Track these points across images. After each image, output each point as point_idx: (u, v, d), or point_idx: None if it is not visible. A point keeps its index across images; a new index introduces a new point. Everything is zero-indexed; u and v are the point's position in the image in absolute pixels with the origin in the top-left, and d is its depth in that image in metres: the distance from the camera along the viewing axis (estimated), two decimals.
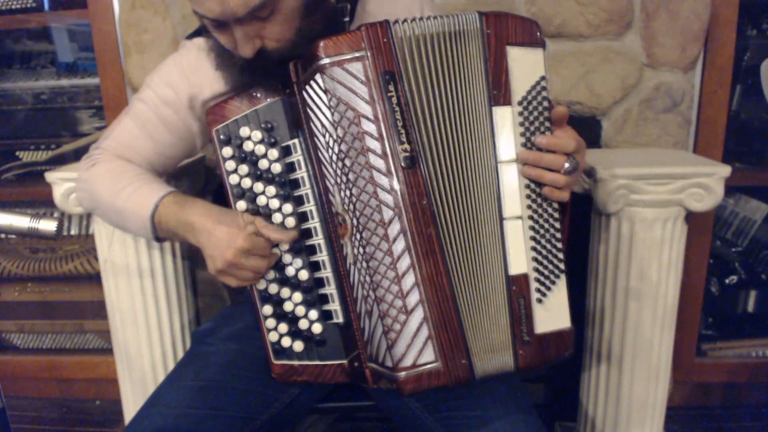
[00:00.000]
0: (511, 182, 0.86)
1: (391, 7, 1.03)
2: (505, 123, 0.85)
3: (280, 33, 0.85)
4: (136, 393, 1.42)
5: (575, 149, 0.87)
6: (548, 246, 0.87)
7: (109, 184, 0.99)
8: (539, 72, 0.87)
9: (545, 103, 0.86)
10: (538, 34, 0.87)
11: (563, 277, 0.88)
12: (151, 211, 0.93)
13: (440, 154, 0.83)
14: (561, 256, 0.88)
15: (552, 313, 0.87)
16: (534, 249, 0.87)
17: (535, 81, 0.87)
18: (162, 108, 1.00)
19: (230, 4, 0.79)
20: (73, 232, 1.90)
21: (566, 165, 0.86)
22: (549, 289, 0.87)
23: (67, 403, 1.94)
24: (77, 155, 1.83)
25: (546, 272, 0.87)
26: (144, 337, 1.38)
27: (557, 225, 0.88)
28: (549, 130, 0.87)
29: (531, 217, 0.87)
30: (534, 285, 0.86)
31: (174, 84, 0.98)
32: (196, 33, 1.03)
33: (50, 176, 1.32)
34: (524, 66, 0.86)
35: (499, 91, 0.85)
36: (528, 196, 0.86)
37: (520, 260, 0.86)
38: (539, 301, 0.87)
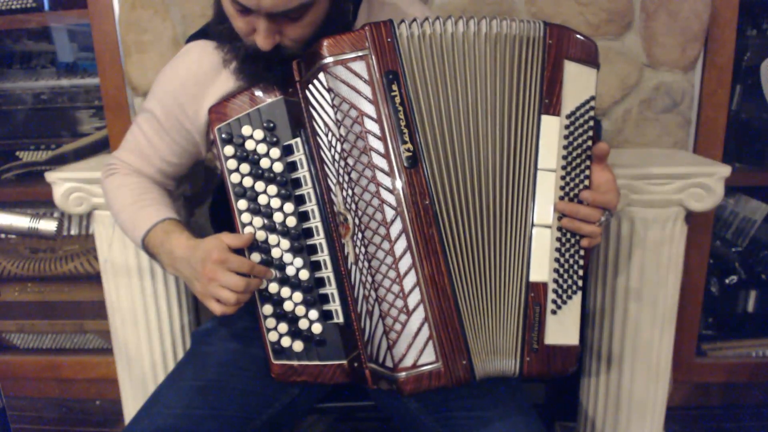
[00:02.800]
0: (546, 190, 0.86)
1: (394, 9, 1.03)
2: (551, 133, 0.86)
3: (301, 34, 0.86)
4: (136, 393, 1.42)
5: (615, 205, 0.88)
6: (571, 261, 0.88)
7: (118, 198, 1.03)
8: (590, 92, 0.88)
9: (590, 122, 0.88)
10: (596, 54, 0.89)
11: (579, 294, 0.89)
12: (143, 235, 0.96)
13: (447, 155, 0.83)
14: (581, 273, 0.89)
15: (563, 327, 0.88)
16: (557, 260, 0.87)
17: (584, 99, 0.88)
18: (166, 120, 1.00)
19: None
20: (73, 232, 1.90)
21: (602, 218, 0.88)
22: (564, 302, 0.88)
23: (67, 403, 1.94)
24: (77, 155, 1.83)
25: (564, 286, 0.88)
26: (144, 337, 1.38)
27: (584, 243, 0.89)
28: (590, 149, 0.88)
29: (560, 228, 0.87)
30: (551, 296, 0.87)
31: (175, 94, 0.98)
32: (198, 34, 1.02)
33: (50, 176, 1.32)
34: (578, 82, 0.87)
35: (550, 101, 0.86)
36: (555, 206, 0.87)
37: (542, 268, 0.86)
38: (553, 312, 0.87)
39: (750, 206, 1.77)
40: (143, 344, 1.39)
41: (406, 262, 0.81)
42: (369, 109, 0.80)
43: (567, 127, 0.87)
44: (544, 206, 0.86)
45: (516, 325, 0.86)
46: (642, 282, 1.32)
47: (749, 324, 1.84)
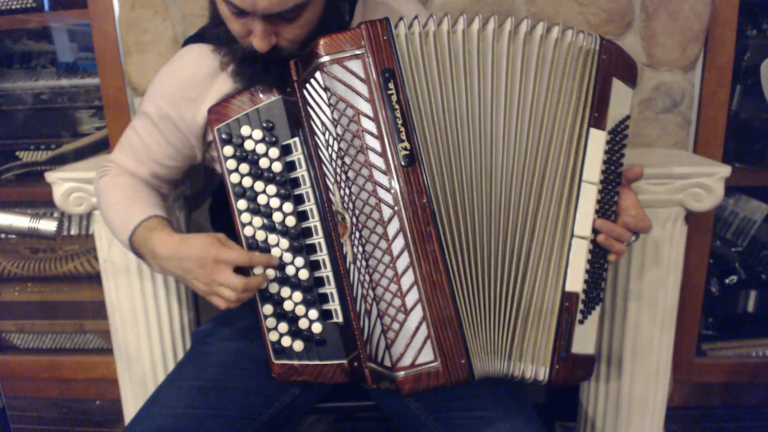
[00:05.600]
0: (588, 202, 0.87)
1: (389, 8, 1.03)
2: (597, 147, 0.87)
3: (297, 35, 0.86)
4: (136, 393, 1.42)
5: (650, 231, 0.92)
6: (598, 273, 0.89)
7: (107, 197, 1.02)
8: (626, 110, 0.91)
9: (625, 141, 0.90)
10: (636, 74, 0.92)
11: (600, 306, 0.91)
12: (130, 234, 0.95)
13: (449, 153, 0.83)
14: (603, 285, 0.91)
15: (586, 337, 0.89)
16: (587, 272, 0.88)
17: (623, 117, 0.90)
18: (161, 123, 1.00)
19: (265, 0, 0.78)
20: (73, 232, 1.90)
21: (632, 238, 0.90)
22: (589, 313, 0.89)
23: (67, 403, 1.94)
24: (77, 155, 1.83)
25: (591, 296, 0.89)
26: (144, 337, 1.38)
27: (610, 258, 0.91)
28: (621, 166, 0.91)
29: (593, 241, 0.88)
30: (580, 306, 0.87)
31: (172, 98, 0.98)
32: (194, 38, 1.03)
33: (50, 176, 1.32)
34: (619, 100, 0.89)
35: (599, 115, 0.87)
36: (594, 222, 0.88)
37: (577, 278, 0.87)
38: (580, 322, 0.88)
39: (750, 206, 1.77)
40: (143, 344, 1.39)
41: (403, 261, 0.80)
42: (365, 107, 0.80)
43: (608, 143, 0.88)
44: (584, 218, 0.87)
45: (546, 332, 0.86)
46: (642, 282, 1.32)
47: (749, 324, 1.84)
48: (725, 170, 1.25)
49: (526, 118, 0.85)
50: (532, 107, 0.85)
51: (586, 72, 0.87)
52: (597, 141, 0.87)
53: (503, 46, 0.84)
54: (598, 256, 0.89)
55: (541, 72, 0.85)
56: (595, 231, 0.88)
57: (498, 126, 0.85)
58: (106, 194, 1.03)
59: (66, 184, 1.31)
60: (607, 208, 0.89)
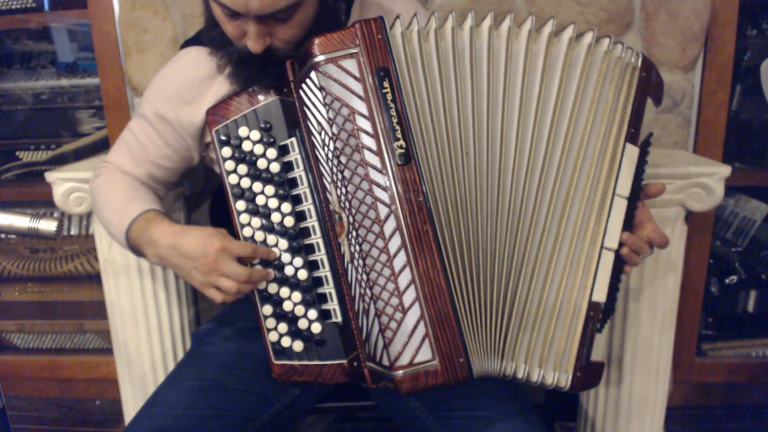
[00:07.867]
0: (618, 216, 0.87)
1: (384, 9, 1.03)
2: (630, 161, 0.88)
3: (291, 35, 0.86)
4: (136, 393, 1.42)
5: (667, 246, 0.94)
6: (614, 284, 0.89)
7: (103, 194, 1.02)
8: (650, 127, 0.91)
9: (646, 158, 0.91)
10: (663, 93, 0.93)
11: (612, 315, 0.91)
12: (126, 227, 0.95)
13: (448, 151, 0.82)
14: (617, 295, 0.91)
15: (598, 345, 0.89)
16: (610, 283, 0.88)
17: (648, 134, 0.91)
18: (158, 124, 1.00)
19: (257, 1, 0.78)
20: (73, 232, 1.90)
21: (649, 252, 0.92)
22: (606, 322, 0.89)
23: (67, 403, 1.94)
24: (77, 155, 1.83)
25: (607, 306, 0.89)
26: (144, 337, 1.38)
27: (626, 269, 0.92)
28: (642, 181, 0.91)
29: (615, 252, 0.88)
30: (599, 315, 0.88)
31: (169, 99, 0.99)
32: (192, 41, 1.03)
33: (50, 176, 1.32)
34: (646, 117, 0.90)
35: (635, 131, 0.87)
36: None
37: (602, 289, 0.87)
38: (599, 330, 0.88)
39: (750, 206, 1.77)
40: (143, 344, 1.39)
41: (400, 260, 0.80)
42: (360, 106, 0.80)
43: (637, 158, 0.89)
44: (614, 230, 0.87)
45: (570, 339, 0.86)
46: (642, 282, 1.32)
47: (749, 324, 1.84)
48: (725, 170, 1.25)
49: (547, 121, 0.84)
50: (555, 110, 0.84)
51: (624, 85, 0.87)
52: (631, 156, 0.88)
53: (521, 45, 0.84)
54: (617, 267, 0.89)
55: (567, 75, 0.85)
56: (620, 243, 0.88)
57: (510, 126, 0.84)
58: (102, 192, 1.03)
59: (66, 184, 1.31)
60: (627, 221, 0.89)
